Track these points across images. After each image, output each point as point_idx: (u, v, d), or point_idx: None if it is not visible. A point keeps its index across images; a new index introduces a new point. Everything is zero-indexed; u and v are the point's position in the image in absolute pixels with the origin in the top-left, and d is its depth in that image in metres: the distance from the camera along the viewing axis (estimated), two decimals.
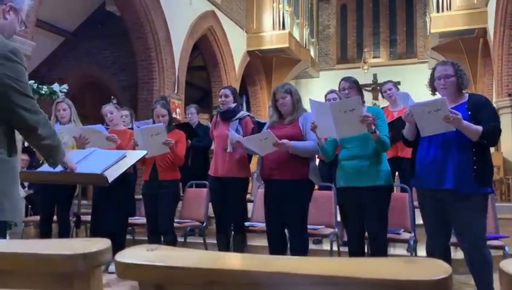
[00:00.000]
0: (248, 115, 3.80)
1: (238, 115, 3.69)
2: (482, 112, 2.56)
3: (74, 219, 4.06)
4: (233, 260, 0.61)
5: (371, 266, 0.52)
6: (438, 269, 0.49)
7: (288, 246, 3.30)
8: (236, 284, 0.57)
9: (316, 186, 4.58)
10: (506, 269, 0.46)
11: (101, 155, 2.31)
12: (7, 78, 1.61)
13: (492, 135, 2.52)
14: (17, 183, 1.70)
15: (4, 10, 1.71)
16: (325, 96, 4.31)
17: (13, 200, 1.65)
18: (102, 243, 0.69)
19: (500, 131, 2.59)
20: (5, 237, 1.73)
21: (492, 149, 9.55)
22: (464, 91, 2.70)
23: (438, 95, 2.70)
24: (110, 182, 2.19)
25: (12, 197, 1.64)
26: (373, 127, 2.78)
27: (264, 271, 0.54)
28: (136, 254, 0.64)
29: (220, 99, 3.74)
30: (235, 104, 3.76)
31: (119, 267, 0.62)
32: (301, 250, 3.16)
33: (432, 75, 2.73)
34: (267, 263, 0.57)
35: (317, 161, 4.65)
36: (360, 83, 3.28)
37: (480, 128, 2.46)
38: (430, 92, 2.82)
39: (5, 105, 1.63)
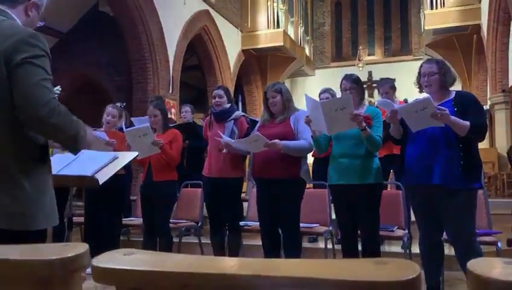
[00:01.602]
0: (243, 115, 3.80)
1: (233, 116, 3.70)
2: (470, 108, 2.60)
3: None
4: (209, 264, 0.62)
5: (342, 267, 0.52)
6: (407, 270, 0.49)
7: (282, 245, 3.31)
8: (211, 288, 0.57)
9: (311, 185, 4.59)
10: (472, 269, 0.47)
11: (91, 157, 2.31)
12: (32, 66, 1.46)
13: (480, 130, 2.56)
14: (48, 190, 1.60)
15: (28, 7, 1.65)
16: (319, 95, 4.31)
17: (45, 208, 1.57)
18: (80, 248, 0.69)
19: (487, 127, 2.63)
20: (44, 241, 1.64)
21: (487, 145, 9.63)
22: (451, 89, 2.74)
23: (425, 93, 2.74)
24: (100, 184, 2.19)
25: (44, 205, 1.57)
26: (363, 124, 2.79)
27: (238, 274, 0.55)
28: (113, 259, 0.64)
29: (214, 100, 3.73)
30: (229, 104, 3.76)
31: (95, 272, 0.62)
32: (294, 249, 3.17)
33: (419, 73, 2.78)
34: (241, 266, 0.57)
35: (312, 159, 4.67)
36: None
37: (468, 123, 2.50)
38: (418, 90, 2.86)
39: (17, 86, 1.46)
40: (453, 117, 2.49)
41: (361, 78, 3.27)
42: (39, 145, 1.58)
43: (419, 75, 2.77)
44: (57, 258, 0.65)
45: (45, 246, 0.73)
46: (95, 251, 0.71)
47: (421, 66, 2.79)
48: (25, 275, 0.66)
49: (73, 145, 1.62)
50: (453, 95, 2.71)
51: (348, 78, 3.09)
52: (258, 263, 0.57)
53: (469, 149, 2.59)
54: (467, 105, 2.61)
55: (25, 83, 1.46)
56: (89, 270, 0.72)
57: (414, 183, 2.71)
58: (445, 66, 2.74)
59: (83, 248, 0.69)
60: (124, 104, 5.45)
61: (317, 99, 4.20)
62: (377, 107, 3.86)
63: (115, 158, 2.35)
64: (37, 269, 0.65)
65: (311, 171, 4.61)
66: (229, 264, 0.60)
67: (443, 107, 2.49)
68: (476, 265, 0.48)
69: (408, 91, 4.19)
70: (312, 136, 3.03)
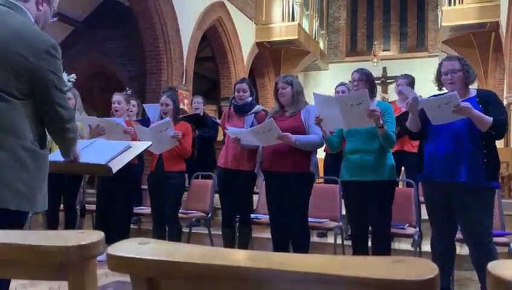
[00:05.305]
0: (263, 110, 3.81)
1: (254, 109, 3.70)
2: (491, 105, 2.58)
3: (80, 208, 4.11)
4: (223, 255, 0.62)
5: (359, 264, 0.52)
6: (425, 269, 0.49)
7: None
8: (224, 279, 0.58)
9: (322, 180, 4.56)
10: (493, 271, 0.46)
11: (105, 145, 2.32)
12: (51, 74, 1.65)
13: (502, 127, 2.53)
14: (46, 176, 1.74)
15: (38, 1, 1.72)
16: (335, 88, 4.32)
17: (43, 193, 1.70)
18: (95, 235, 0.69)
19: (507, 124, 2.60)
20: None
21: (501, 144, 9.43)
22: (470, 87, 2.70)
23: (445, 90, 2.70)
24: (114, 172, 2.20)
25: (42, 190, 1.69)
26: (381, 122, 2.77)
27: (251, 267, 0.55)
28: (128, 248, 0.64)
29: (237, 94, 3.71)
30: (251, 97, 3.77)
31: (110, 260, 0.63)
32: (302, 243, 3.17)
33: (439, 70, 2.73)
34: (255, 258, 0.57)
35: (324, 154, 4.65)
36: None
37: (490, 118, 2.48)
38: (437, 88, 2.82)
39: (45, 99, 1.67)
40: (475, 111, 2.47)
41: (375, 74, 3.26)
42: (40, 133, 1.72)
43: (439, 73, 2.73)
44: (74, 245, 0.66)
45: (61, 232, 0.74)
46: (105, 239, 0.71)
47: (440, 64, 2.73)
48: (42, 261, 0.67)
49: (66, 153, 1.92)
50: (474, 92, 2.69)
51: (358, 70, 3.13)
52: (273, 257, 0.57)
53: (491, 147, 2.58)
54: (488, 102, 2.59)
55: (54, 95, 1.68)
56: (99, 258, 0.72)
57: (436, 181, 2.66)
58: (467, 62, 2.70)
59: (98, 235, 0.69)
60: (130, 90, 5.46)
61: (333, 93, 4.19)
62: (400, 92, 3.86)
63: (129, 147, 2.37)
64: (54, 255, 0.66)
65: (322, 166, 4.60)
66: (244, 257, 0.60)
67: (466, 102, 2.47)
68: (496, 267, 0.47)
69: (423, 87, 4.12)
70: (323, 137, 3.02)
